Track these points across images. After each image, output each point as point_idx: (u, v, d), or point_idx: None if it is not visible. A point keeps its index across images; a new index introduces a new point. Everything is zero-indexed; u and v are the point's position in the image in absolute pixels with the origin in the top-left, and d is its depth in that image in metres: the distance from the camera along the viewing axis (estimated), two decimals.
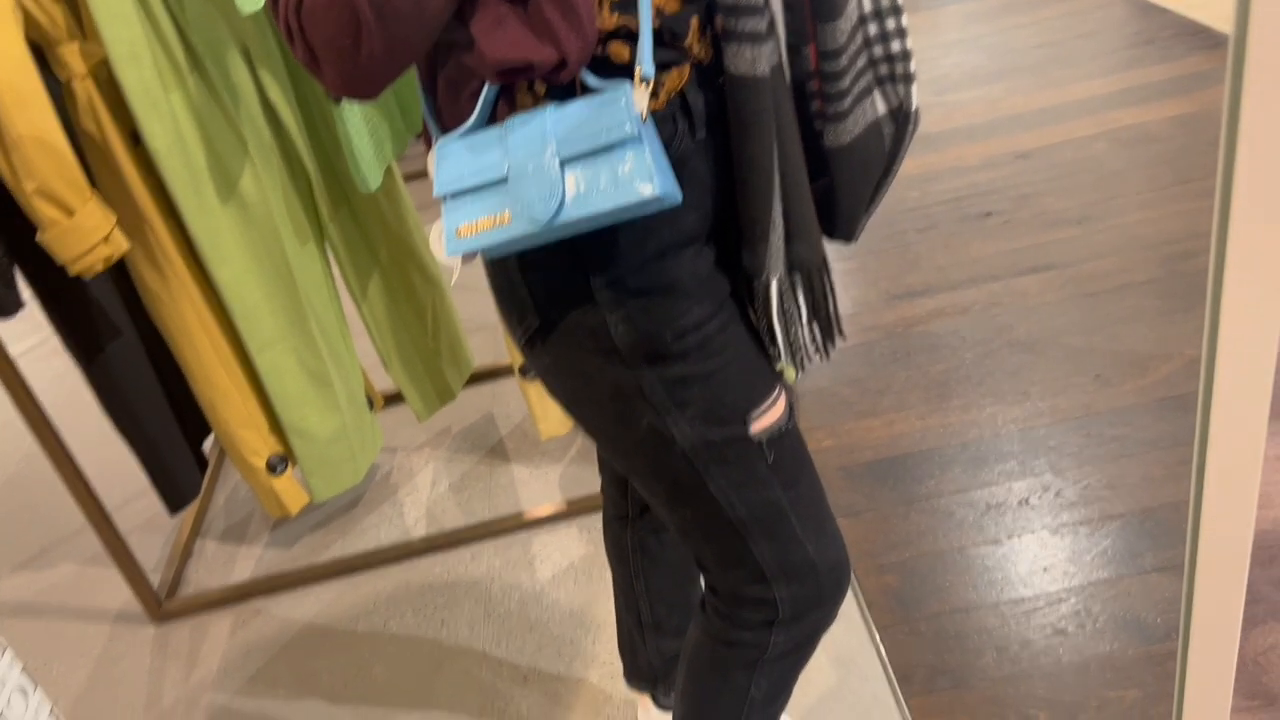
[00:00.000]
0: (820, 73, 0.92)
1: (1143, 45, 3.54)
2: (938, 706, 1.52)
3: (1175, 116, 3.02)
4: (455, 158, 0.86)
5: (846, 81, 0.92)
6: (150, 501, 2.34)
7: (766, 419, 0.98)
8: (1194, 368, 2.05)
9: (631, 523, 1.34)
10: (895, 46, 0.93)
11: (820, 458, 2.03)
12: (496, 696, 1.68)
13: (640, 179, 0.81)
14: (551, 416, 2.02)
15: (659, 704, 1.49)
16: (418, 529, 2.09)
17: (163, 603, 2.01)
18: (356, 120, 1.76)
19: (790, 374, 1.04)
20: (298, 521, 2.19)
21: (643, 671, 1.48)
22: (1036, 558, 1.72)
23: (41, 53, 1.62)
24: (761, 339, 1.00)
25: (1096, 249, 2.49)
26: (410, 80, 1.98)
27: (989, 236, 2.64)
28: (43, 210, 1.61)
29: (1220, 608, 1.03)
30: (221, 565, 2.12)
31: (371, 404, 2.22)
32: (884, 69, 0.94)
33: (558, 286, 0.94)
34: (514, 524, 2.02)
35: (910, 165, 3.07)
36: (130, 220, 1.74)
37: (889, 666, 1.59)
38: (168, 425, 1.98)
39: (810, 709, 1.54)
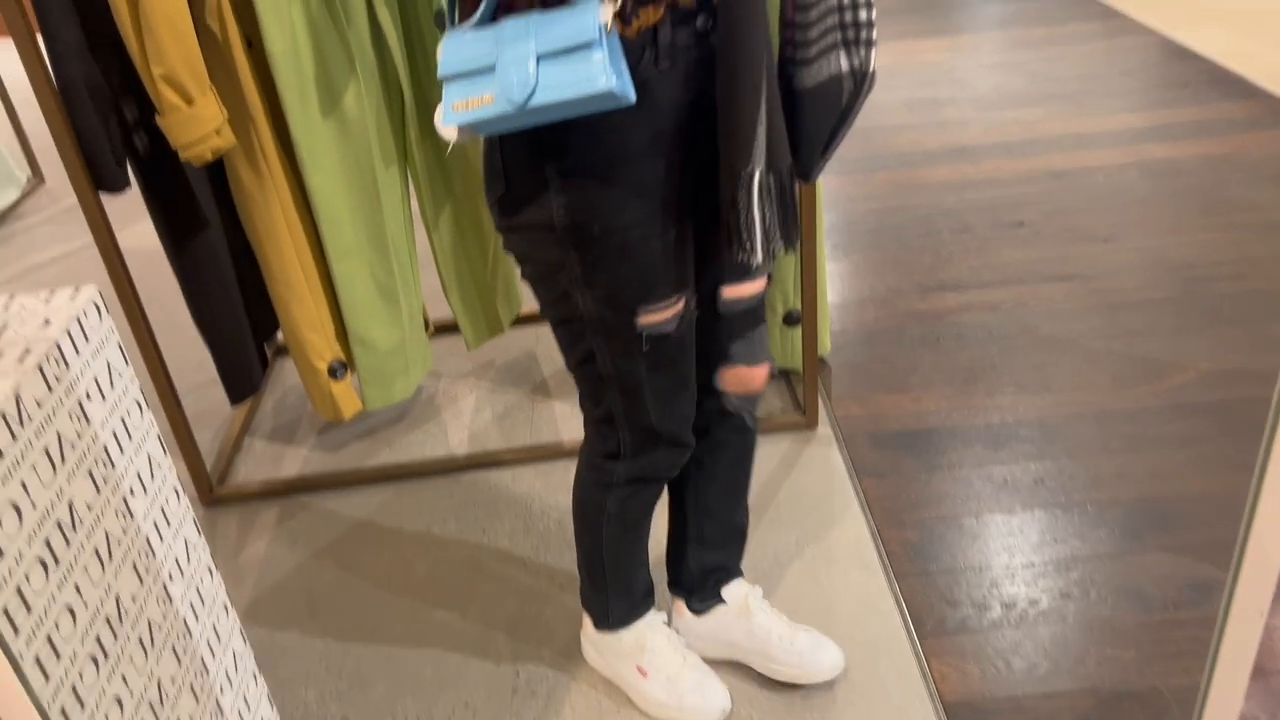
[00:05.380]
0: (795, 23, 1.12)
1: (1178, 87, 3.68)
2: (946, 648, 1.64)
3: (1205, 155, 3.15)
4: (458, 47, 1.05)
5: (814, 33, 1.12)
6: (198, 398, 2.44)
7: (653, 317, 1.22)
8: (1206, 379, 2.18)
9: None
10: (862, 16, 1.12)
11: (849, 425, 2.15)
12: (533, 599, 1.79)
13: (597, 75, 0.99)
14: None
15: (692, 609, 1.62)
16: (461, 448, 2.20)
17: (214, 488, 2.11)
18: None
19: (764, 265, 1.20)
20: (344, 430, 2.29)
21: (681, 581, 1.61)
22: (1047, 529, 1.84)
23: None
24: (676, 253, 1.20)
25: (1121, 265, 2.62)
26: None
27: (1019, 244, 2.77)
28: (166, 95, 1.71)
29: (1256, 588, 1.13)
30: (269, 463, 2.23)
31: (427, 325, 2.32)
32: (850, 34, 1.12)
33: (524, 166, 1.15)
34: (555, 451, 2.13)
35: (947, 172, 3.21)
36: (237, 119, 1.85)
37: (905, 609, 1.70)
38: (239, 318, 2.08)
39: (833, 639, 1.65)
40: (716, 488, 1.53)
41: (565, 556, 1.88)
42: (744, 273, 1.31)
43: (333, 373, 2.08)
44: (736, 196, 1.11)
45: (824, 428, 2.14)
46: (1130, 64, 3.93)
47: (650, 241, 1.17)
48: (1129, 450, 2.01)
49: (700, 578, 1.59)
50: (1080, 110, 3.57)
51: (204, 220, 1.99)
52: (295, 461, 2.22)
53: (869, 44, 1.11)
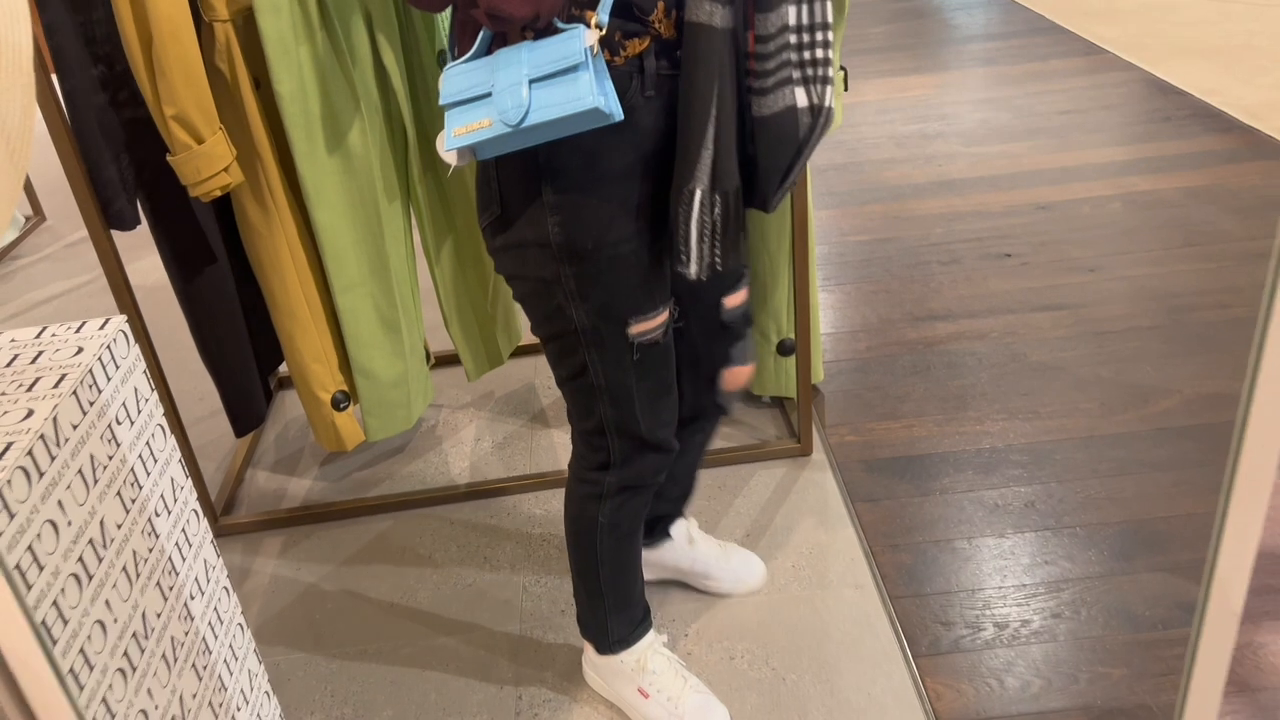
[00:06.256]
0: (753, 54, 1.19)
1: (1160, 121, 3.77)
2: (941, 668, 1.67)
3: (1187, 187, 3.23)
4: (457, 77, 1.14)
5: (771, 65, 1.19)
6: (201, 430, 2.47)
7: (643, 326, 1.30)
8: (1191, 405, 2.23)
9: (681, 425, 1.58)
10: (819, 54, 1.19)
11: (843, 451, 2.19)
12: (534, 624, 1.82)
13: (585, 94, 1.06)
14: None
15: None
16: (461, 477, 2.24)
17: (218, 518, 2.14)
18: None
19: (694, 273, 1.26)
20: (346, 460, 2.33)
21: None
22: (1038, 552, 1.88)
23: None
24: (661, 267, 1.28)
25: (1107, 295, 2.68)
26: None
27: (1007, 275, 2.83)
28: (177, 134, 1.76)
29: (1228, 598, 1.17)
30: (272, 493, 2.26)
31: (428, 357, 2.37)
32: (809, 70, 1.19)
33: (519, 188, 1.22)
34: (555, 479, 2.17)
35: (936, 205, 3.27)
36: (244, 156, 1.90)
37: (900, 630, 1.74)
38: (245, 351, 2.12)
39: (829, 660, 1.69)
40: (686, 461, 1.68)
41: (565, 581, 1.91)
42: (735, 284, 1.42)
43: (336, 404, 2.11)
44: (678, 211, 1.19)
45: (818, 454, 2.18)
46: (1112, 99, 4.02)
47: (639, 256, 1.25)
48: (1117, 474, 2.06)
49: (652, 522, 1.76)
50: (1064, 144, 3.65)
51: (211, 255, 2.04)
52: (298, 492, 2.25)
53: (825, 81, 1.18)
